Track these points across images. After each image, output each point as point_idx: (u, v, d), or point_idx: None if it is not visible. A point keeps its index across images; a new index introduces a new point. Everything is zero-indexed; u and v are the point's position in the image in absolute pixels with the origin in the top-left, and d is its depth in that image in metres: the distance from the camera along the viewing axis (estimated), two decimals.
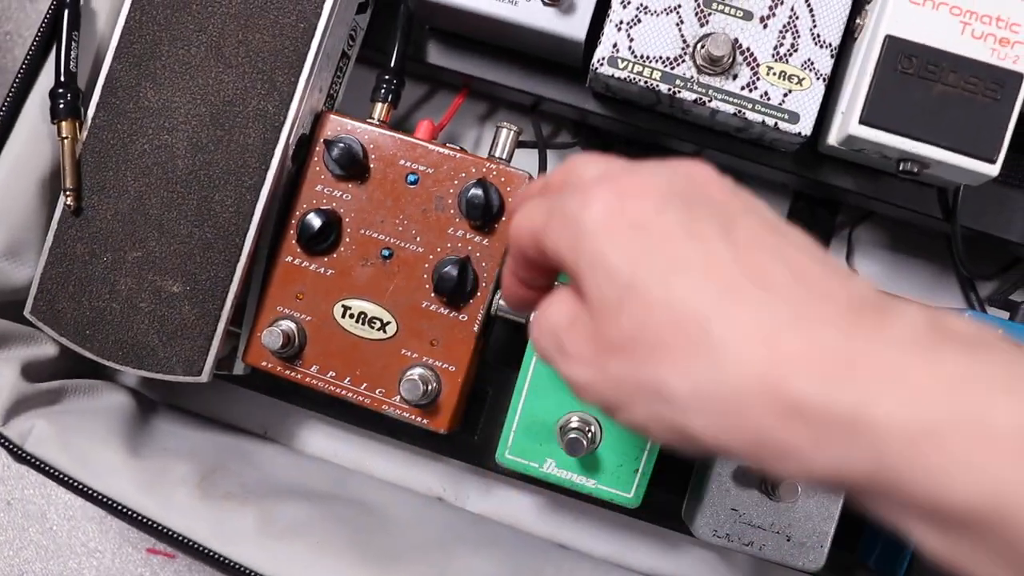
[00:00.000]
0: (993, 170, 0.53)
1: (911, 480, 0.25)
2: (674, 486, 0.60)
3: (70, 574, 0.67)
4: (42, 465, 0.53)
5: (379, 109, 0.59)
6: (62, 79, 0.56)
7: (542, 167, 0.60)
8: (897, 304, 0.28)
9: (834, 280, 0.29)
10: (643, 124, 0.61)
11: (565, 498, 0.65)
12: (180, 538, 0.52)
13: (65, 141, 0.56)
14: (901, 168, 0.55)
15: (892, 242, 0.69)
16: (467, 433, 0.62)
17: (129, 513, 0.52)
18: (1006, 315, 0.58)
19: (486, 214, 0.54)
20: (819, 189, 0.66)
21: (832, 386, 0.26)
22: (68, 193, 0.56)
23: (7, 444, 0.54)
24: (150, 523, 0.52)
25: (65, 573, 0.67)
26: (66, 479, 0.53)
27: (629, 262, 0.30)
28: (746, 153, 0.61)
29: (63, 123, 0.56)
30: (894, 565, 0.55)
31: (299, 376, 0.57)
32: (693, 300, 0.29)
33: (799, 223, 0.68)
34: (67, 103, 0.56)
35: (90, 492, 0.53)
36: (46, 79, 0.57)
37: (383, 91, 0.59)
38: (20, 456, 0.53)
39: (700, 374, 0.28)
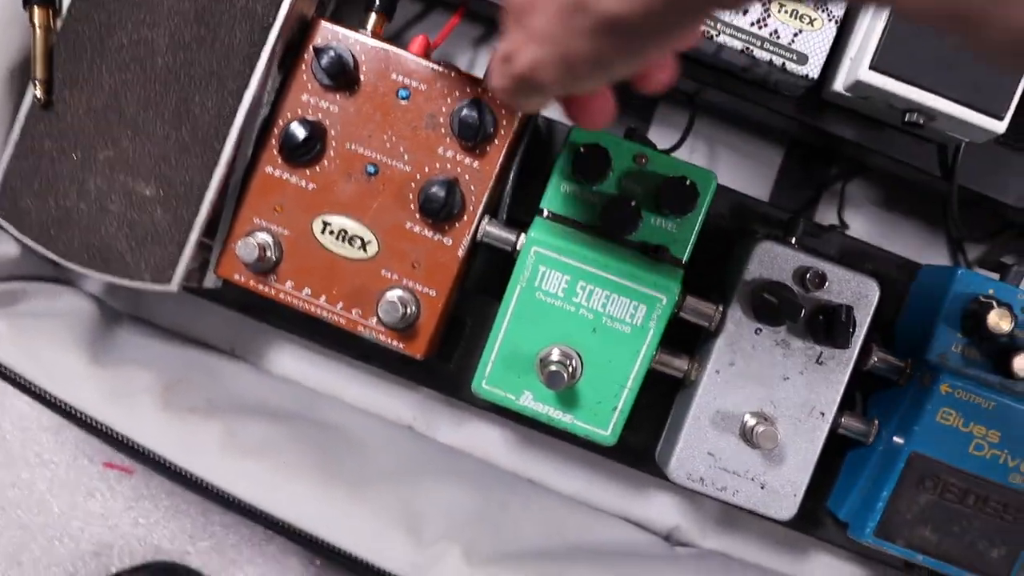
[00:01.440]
0: (1000, 127, 0.52)
1: None
2: (650, 429, 0.59)
3: (22, 485, 0.65)
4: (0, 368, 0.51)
5: (372, 20, 0.57)
6: None
7: None
8: None
9: None
10: None
11: (536, 434, 0.64)
12: (142, 450, 0.50)
13: (37, 29, 0.53)
14: (907, 119, 0.53)
15: (885, 198, 0.68)
16: (442, 362, 0.60)
17: (90, 422, 0.50)
18: (996, 276, 0.57)
19: (479, 135, 0.52)
20: (818, 137, 0.65)
21: None
22: (38, 84, 0.53)
23: None
24: (111, 433, 0.50)
25: (17, 484, 0.65)
26: (25, 383, 0.51)
27: None
28: (748, 94, 0.59)
29: (35, 9, 0.52)
30: (864, 519, 0.54)
31: (272, 291, 0.55)
32: None
33: (793, 172, 0.68)
34: None
35: (49, 398, 0.51)
36: None
37: (377, 1, 0.57)
38: None
39: None
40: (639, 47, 0.32)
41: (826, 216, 0.68)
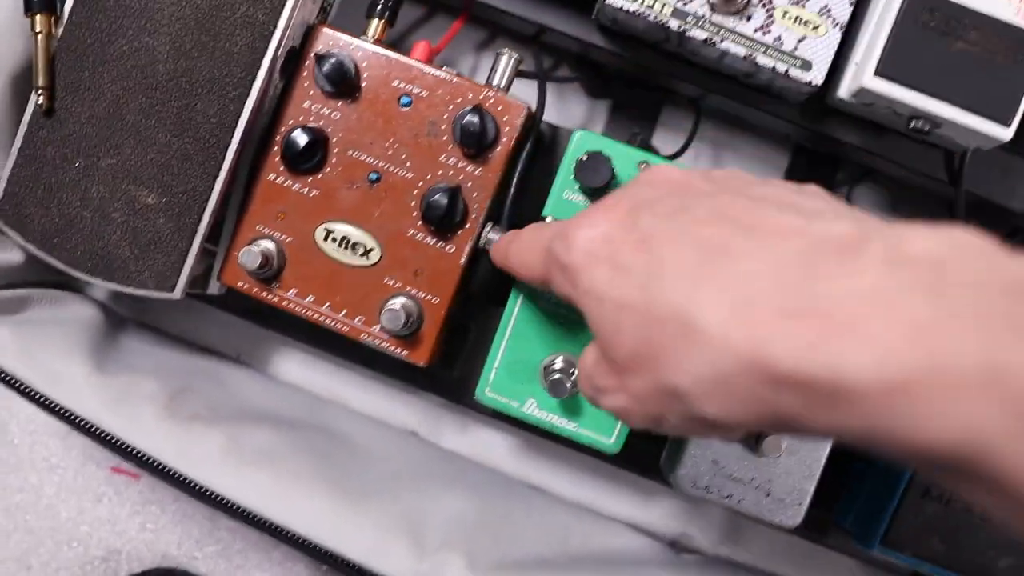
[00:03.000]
0: (1007, 133, 0.52)
1: (899, 432, 0.25)
2: (654, 438, 0.59)
3: (30, 489, 0.65)
4: (3, 375, 0.51)
5: (374, 26, 0.56)
6: None
7: (541, 100, 0.58)
8: (856, 239, 0.28)
9: (792, 224, 0.30)
10: (648, 62, 0.59)
11: (541, 440, 0.64)
12: (145, 458, 0.50)
13: (39, 36, 0.53)
14: (912, 126, 0.53)
15: (891, 203, 0.68)
16: (446, 368, 0.60)
17: (93, 430, 0.50)
18: None
19: (480, 142, 0.52)
20: (822, 143, 0.64)
21: (803, 351, 0.26)
22: (40, 91, 0.53)
23: None
24: (115, 441, 0.50)
25: (24, 488, 0.65)
26: (29, 391, 0.51)
27: (613, 286, 0.33)
28: (751, 100, 0.59)
29: (37, 17, 0.52)
30: (871, 528, 0.54)
31: (276, 299, 0.55)
32: (670, 298, 0.30)
33: (798, 177, 0.67)
34: None
35: (53, 406, 0.51)
36: None
37: (380, 7, 0.56)
38: None
39: (695, 365, 0.29)
40: (721, 435, 0.33)
41: None
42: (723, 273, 0.29)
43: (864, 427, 0.26)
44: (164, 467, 0.50)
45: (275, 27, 0.52)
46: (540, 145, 0.58)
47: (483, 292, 0.59)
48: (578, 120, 0.68)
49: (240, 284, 0.55)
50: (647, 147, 0.56)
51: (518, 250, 0.43)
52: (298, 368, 0.65)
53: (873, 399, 0.25)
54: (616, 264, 0.33)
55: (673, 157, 0.62)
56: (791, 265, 0.28)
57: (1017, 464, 0.23)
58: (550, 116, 0.61)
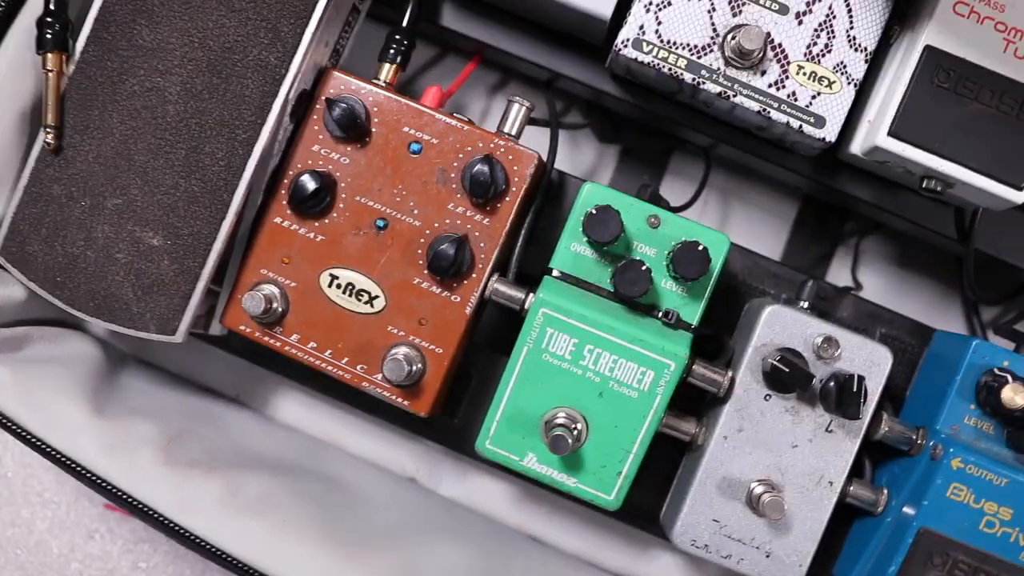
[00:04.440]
0: (1020, 197, 0.51)
1: None
2: (655, 488, 0.58)
3: (22, 523, 0.65)
4: (0, 417, 0.50)
5: (386, 70, 0.56)
6: (51, 7, 0.52)
7: (553, 149, 0.57)
8: None
9: None
10: (660, 112, 0.59)
11: (540, 489, 0.63)
12: (140, 505, 0.49)
13: (50, 75, 0.52)
14: (924, 185, 0.53)
15: (899, 256, 0.68)
16: (447, 416, 0.60)
17: (88, 475, 0.50)
18: (1011, 345, 0.56)
19: (489, 192, 0.52)
20: (833, 196, 0.64)
21: None
22: (48, 130, 0.52)
23: None
24: (109, 487, 0.50)
25: (17, 522, 0.65)
26: (24, 434, 0.50)
27: None
28: (762, 152, 0.59)
29: (49, 55, 0.52)
30: None
31: (278, 344, 0.54)
32: None
33: (807, 227, 0.67)
34: (55, 34, 0.52)
35: (48, 450, 0.50)
36: (35, 5, 0.53)
37: (392, 52, 0.56)
38: None
39: None
40: None
41: (839, 273, 0.68)
42: None
43: None
44: (159, 516, 0.49)
45: (287, 71, 0.52)
46: (548, 192, 0.58)
47: (487, 340, 0.59)
48: (587, 164, 0.67)
49: (242, 328, 0.55)
50: (657, 198, 0.55)
51: None
52: (297, 409, 0.65)
53: None
54: None
55: (682, 209, 0.62)
56: None
57: None
58: (559, 160, 0.61)
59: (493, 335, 0.59)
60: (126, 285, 0.53)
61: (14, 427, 0.51)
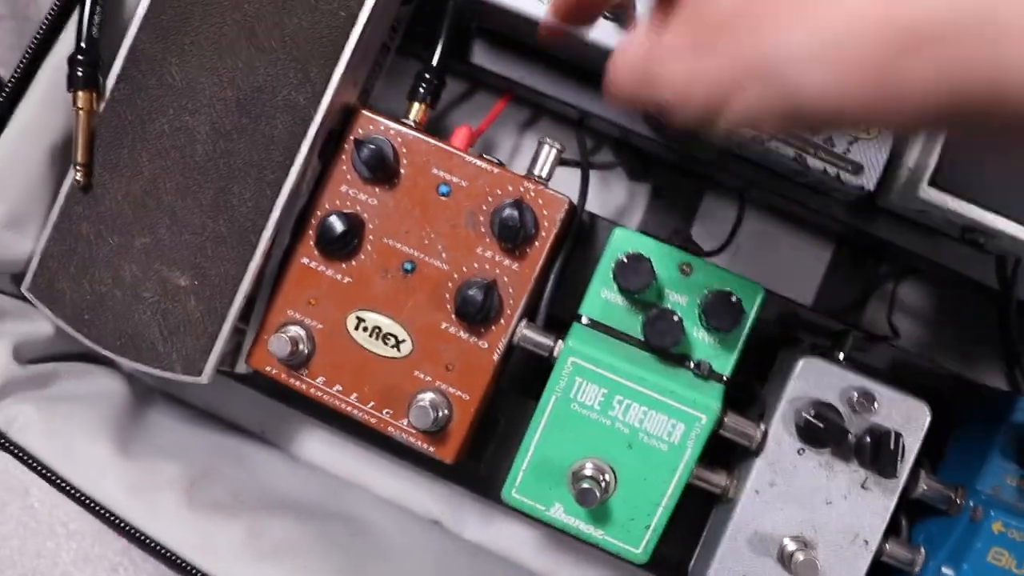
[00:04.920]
0: None
1: None
2: (684, 539, 0.57)
3: (47, 554, 0.65)
4: (25, 456, 0.50)
5: (415, 109, 0.56)
6: (83, 45, 0.52)
7: (584, 190, 0.56)
8: None
9: None
10: (693, 152, 0.58)
11: (566, 537, 0.62)
12: (160, 548, 0.49)
13: (80, 112, 0.52)
14: (966, 236, 0.51)
15: (937, 302, 0.66)
16: (473, 460, 0.59)
17: (110, 516, 0.49)
18: None
19: (518, 237, 0.51)
20: (869, 239, 0.63)
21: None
22: (78, 168, 0.52)
23: None
24: (130, 529, 0.49)
25: (42, 552, 0.65)
26: (48, 474, 0.50)
27: None
28: (799, 196, 0.57)
29: (79, 93, 0.52)
30: None
31: (304, 386, 0.54)
32: None
33: (842, 270, 0.65)
34: (86, 72, 0.52)
35: (71, 490, 0.50)
36: (66, 42, 0.53)
37: (422, 91, 0.56)
38: (2, 445, 0.50)
39: (815, 21, 0.28)
40: (794, 121, 0.30)
41: (875, 317, 0.66)
42: None
43: (989, 78, 0.26)
44: (178, 559, 0.49)
45: (315, 112, 0.51)
46: (579, 235, 0.57)
47: (515, 383, 0.58)
48: (618, 204, 0.66)
49: (268, 369, 0.54)
50: (688, 243, 0.54)
51: None
52: (322, 448, 0.64)
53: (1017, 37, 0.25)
54: None
55: (714, 253, 0.61)
56: None
57: None
58: (589, 201, 0.60)
59: (521, 377, 0.58)
60: (153, 324, 0.52)
61: (38, 466, 0.50)
